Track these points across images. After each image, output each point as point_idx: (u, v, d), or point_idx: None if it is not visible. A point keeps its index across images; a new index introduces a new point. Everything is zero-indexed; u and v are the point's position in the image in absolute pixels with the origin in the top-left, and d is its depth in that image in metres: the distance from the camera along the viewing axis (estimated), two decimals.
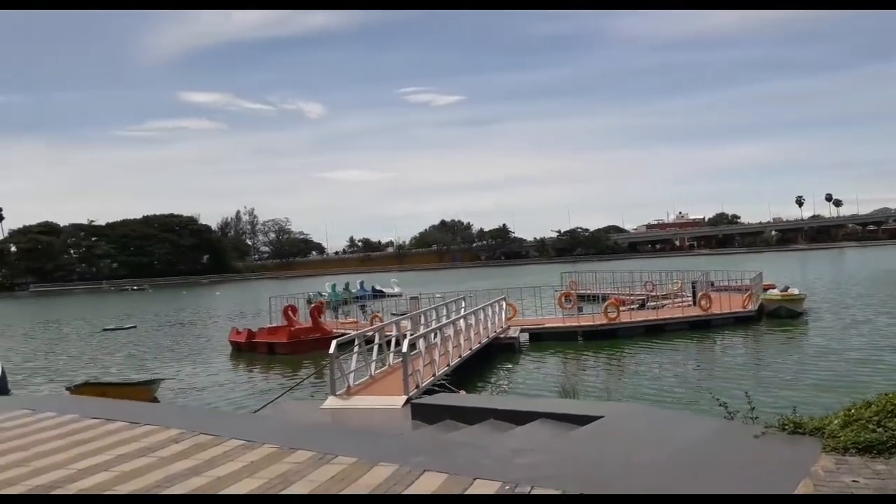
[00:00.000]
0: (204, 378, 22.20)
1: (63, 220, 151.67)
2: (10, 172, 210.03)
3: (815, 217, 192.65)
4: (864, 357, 19.72)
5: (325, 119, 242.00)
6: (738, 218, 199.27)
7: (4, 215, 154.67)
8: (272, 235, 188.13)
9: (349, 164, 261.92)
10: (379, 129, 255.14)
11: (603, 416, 7.47)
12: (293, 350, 25.64)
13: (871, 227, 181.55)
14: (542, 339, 25.11)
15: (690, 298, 31.52)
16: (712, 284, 34.83)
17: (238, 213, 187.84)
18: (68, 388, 17.12)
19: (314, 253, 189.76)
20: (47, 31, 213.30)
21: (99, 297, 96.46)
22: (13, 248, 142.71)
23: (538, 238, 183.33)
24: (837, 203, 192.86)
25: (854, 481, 4.97)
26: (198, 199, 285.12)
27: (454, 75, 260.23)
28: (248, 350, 27.02)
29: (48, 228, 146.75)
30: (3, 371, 17.73)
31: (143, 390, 17.17)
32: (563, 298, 30.14)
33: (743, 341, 24.64)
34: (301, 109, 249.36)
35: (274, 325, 28.87)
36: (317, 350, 23.77)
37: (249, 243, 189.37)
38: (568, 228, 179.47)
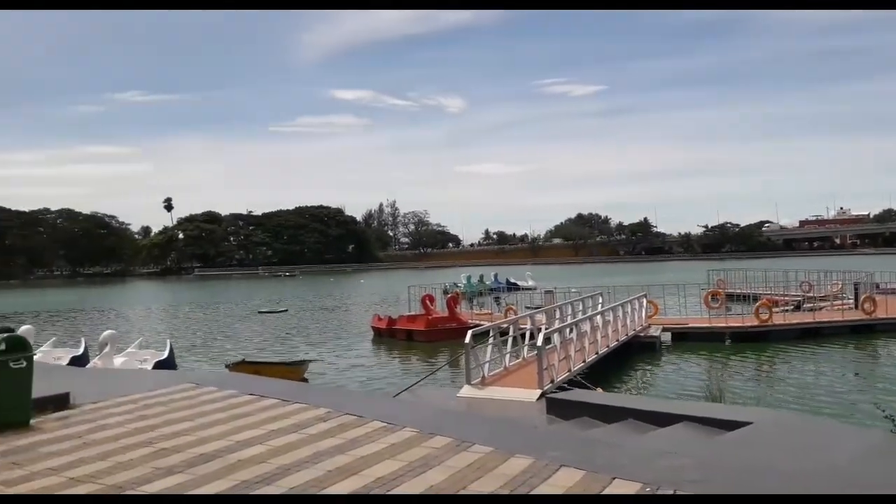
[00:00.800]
0: (347, 361, 23.25)
1: (223, 210, 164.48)
2: (179, 165, 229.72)
3: None
4: None
5: (464, 113, 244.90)
6: None
7: (174, 205, 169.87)
8: (411, 227, 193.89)
9: (486, 158, 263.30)
10: (516, 121, 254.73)
11: (752, 423, 7.07)
12: (430, 338, 26.25)
13: None
14: (686, 339, 24.03)
15: (852, 301, 28.97)
16: (878, 286, 31.80)
17: (381, 205, 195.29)
18: (227, 366, 18.53)
19: (450, 245, 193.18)
20: (209, 32, 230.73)
21: (254, 282, 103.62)
22: (181, 235, 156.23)
23: (682, 233, 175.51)
24: None
25: None
26: (343, 191, 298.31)
27: (593, 65, 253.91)
28: (388, 336, 28.01)
29: (211, 217, 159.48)
30: (171, 348, 19.51)
31: (294, 370, 18.24)
32: (709, 297, 28.67)
33: None
34: (441, 104, 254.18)
35: (413, 313, 29.69)
36: (452, 339, 24.19)
37: (390, 234, 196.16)
38: (716, 223, 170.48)
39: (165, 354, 18.60)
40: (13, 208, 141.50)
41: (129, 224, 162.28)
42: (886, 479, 5.38)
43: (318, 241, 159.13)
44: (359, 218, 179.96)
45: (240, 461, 5.74)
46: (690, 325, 25.49)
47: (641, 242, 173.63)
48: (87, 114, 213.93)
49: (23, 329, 15.75)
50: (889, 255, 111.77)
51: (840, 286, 33.47)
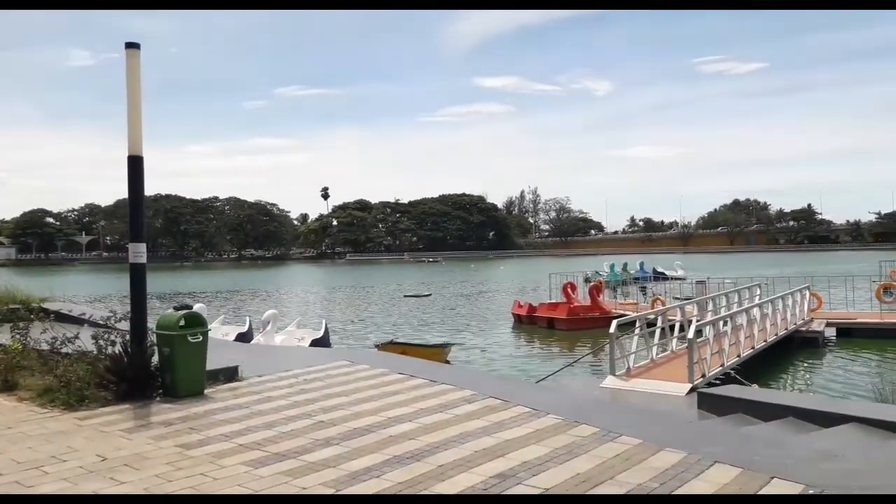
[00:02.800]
0: (488, 346, 23.53)
1: (372, 198, 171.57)
2: (334, 155, 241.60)
3: None
4: None
5: (613, 96, 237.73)
6: None
7: (330, 193, 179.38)
8: (552, 214, 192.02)
9: (636, 142, 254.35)
10: (669, 103, 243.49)
11: None
12: (571, 326, 25.95)
13: None
14: (853, 335, 22.09)
15: None
16: None
17: (522, 192, 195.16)
18: (376, 346, 19.38)
19: (593, 232, 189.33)
20: (358, 28, 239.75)
21: (400, 267, 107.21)
22: (335, 222, 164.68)
23: (851, 221, 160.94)
24: None
25: None
26: (486, 178, 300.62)
27: (753, 41, 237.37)
28: (529, 323, 27.99)
29: (362, 205, 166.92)
30: (326, 327, 20.66)
31: (439, 352, 18.74)
32: (881, 290, 26.17)
33: None
34: (588, 88, 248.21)
35: (553, 301, 29.46)
36: (594, 329, 23.78)
37: (531, 221, 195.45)
38: (890, 210, 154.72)
39: (321, 333, 19.71)
40: (187, 196, 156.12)
41: (288, 211, 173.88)
42: None
43: (459, 228, 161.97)
44: (500, 205, 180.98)
45: (391, 437, 6.00)
46: (859, 320, 23.41)
47: (804, 231, 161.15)
48: (253, 109, 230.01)
49: (197, 307, 17.32)
50: None
51: None
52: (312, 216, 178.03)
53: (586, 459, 5.31)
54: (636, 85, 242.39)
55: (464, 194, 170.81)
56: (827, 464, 5.14)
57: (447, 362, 18.08)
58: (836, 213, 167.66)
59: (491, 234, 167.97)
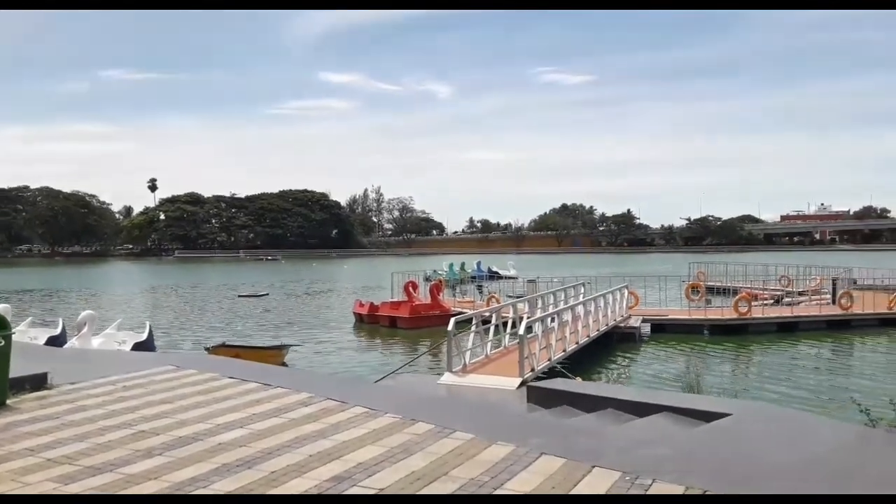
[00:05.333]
0: (328, 346, 23.22)
1: (211, 192, 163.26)
2: (166, 146, 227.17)
3: None
4: None
5: (455, 100, 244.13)
6: (888, 212, 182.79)
7: (158, 185, 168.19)
8: (396, 213, 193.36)
9: (475, 145, 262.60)
10: (507, 109, 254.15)
11: (730, 414, 7.15)
12: (413, 325, 26.27)
13: None
14: (666, 330, 24.26)
15: (829, 296, 29.39)
16: (855, 282, 32.23)
17: (366, 190, 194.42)
18: (207, 349, 18.42)
19: (434, 232, 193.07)
20: (201, 11, 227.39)
21: (235, 265, 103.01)
22: (162, 216, 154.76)
23: (665, 226, 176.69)
24: None
25: None
26: (329, 176, 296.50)
27: (583, 55, 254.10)
28: (371, 322, 27.98)
29: (194, 199, 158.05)
30: (150, 329, 19.34)
31: (274, 354, 18.18)
32: (690, 290, 28.95)
33: (887, 345, 22.74)
34: (431, 91, 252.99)
35: (395, 299, 29.68)
36: (435, 326, 24.22)
37: (374, 220, 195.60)
38: (698, 216, 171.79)
39: (144, 336, 18.44)
40: None
41: (110, 204, 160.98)
42: (861, 470, 5.46)
43: (301, 226, 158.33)
44: (343, 203, 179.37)
45: (220, 444, 5.71)
46: (670, 316, 25.73)
47: (624, 234, 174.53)
48: (69, 91, 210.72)
49: None
50: (867, 251, 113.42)
51: (819, 281, 33.92)
52: (138, 210, 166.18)
53: (421, 457, 5.37)
54: (476, 90, 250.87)
55: (306, 190, 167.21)
56: (641, 451, 5.55)
57: (284, 365, 17.59)
58: (652, 218, 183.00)
59: (334, 232, 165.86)
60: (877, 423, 6.86)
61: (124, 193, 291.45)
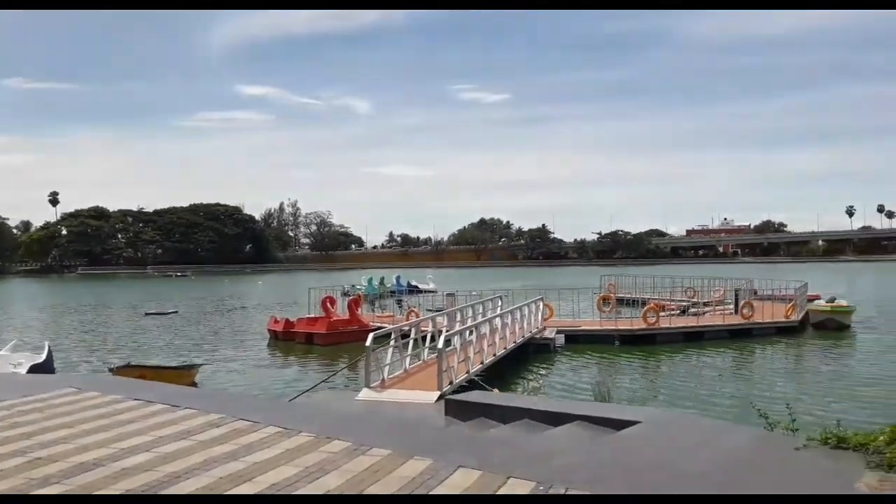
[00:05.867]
0: (242, 365, 22.58)
1: (117, 207, 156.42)
2: (69, 158, 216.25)
3: (865, 228, 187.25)
4: None
5: (373, 115, 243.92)
6: (785, 226, 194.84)
7: (60, 199, 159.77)
8: (313, 228, 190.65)
9: (394, 161, 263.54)
10: (426, 125, 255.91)
11: (640, 422, 7.38)
12: (331, 341, 25.90)
13: None
14: (579, 341, 24.88)
15: (732, 306, 30.93)
16: (755, 293, 34.08)
17: (281, 204, 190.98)
18: (111, 370, 17.56)
19: (353, 246, 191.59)
20: (114, 22, 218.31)
21: (143, 281, 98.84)
22: (64, 231, 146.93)
23: (578, 239, 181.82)
24: (890, 214, 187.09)
25: None
26: (245, 190, 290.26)
27: (501, 74, 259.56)
28: (286, 339, 27.41)
29: (98, 213, 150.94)
30: (49, 351, 18.29)
31: (183, 374, 17.52)
32: (601, 301, 29.86)
33: (785, 351, 24.12)
34: (350, 105, 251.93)
35: (312, 315, 29.20)
36: (353, 342, 23.98)
37: (291, 235, 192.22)
38: (609, 231, 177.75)
39: (43, 357, 17.42)
40: None
41: (6, 218, 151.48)
42: (761, 472, 5.75)
43: (212, 241, 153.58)
44: (258, 217, 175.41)
45: (124, 470, 5.43)
46: (583, 327, 26.43)
47: (539, 248, 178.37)
48: None
49: None
50: (767, 263, 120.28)
51: (722, 292, 35.65)
52: (38, 224, 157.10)
53: (337, 475, 5.27)
54: (395, 105, 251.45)
55: (218, 204, 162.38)
56: (555, 460, 5.65)
57: (194, 385, 16.99)
58: (565, 232, 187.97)
59: (248, 247, 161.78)
60: (775, 426, 7.23)
61: (22, 207, 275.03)
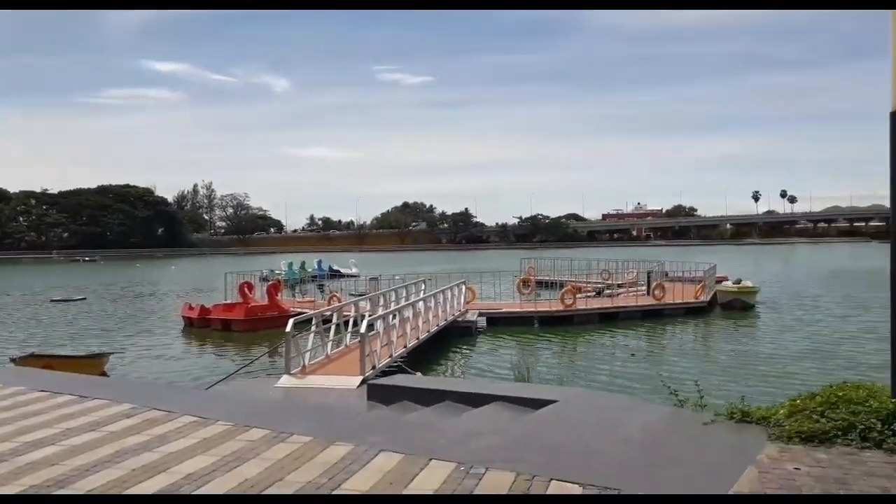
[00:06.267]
0: (154, 353, 21.84)
1: (18, 188, 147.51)
2: None
3: (769, 213, 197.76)
4: (811, 350, 20.39)
5: (293, 94, 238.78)
6: (695, 211, 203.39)
7: None
8: (230, 210, 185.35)
9: (315, 142, 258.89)
10: (348, 106, 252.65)
11: (557, 401, 7.58)
12: (249, 327, 25.36)
13: (823, 225, 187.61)
14: (500, 323, 25.29)
15: (645, 288, 32.10)
16: (667, 275, 35.49)
17: (195, 186, 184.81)
18: (13, 360, 16.64)
19: (272, 230, 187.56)
20: None
21: (48, 267, 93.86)
22: None
23: (500, 223, 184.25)
24: (792, 200, 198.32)
25: (796, 468, 5.14)
26: (156, 170, 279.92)
27: (425, 55, 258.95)
28: (202, 326, 26.63)
29: None
30: None
31: (92, 364, 16.79)
32: (521, 284, 30.41)
33: (694, 331, 25.24)
34: (268, 83, 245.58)
35: (230, 301, 28.48)
36: (273, 328, 23.57)
37: (206, 218, 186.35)
38: (529, 215, 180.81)
39: None
40: None
41: None
42: (672, 446, 6.02)
43: (122, 224, 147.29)
44: (170, 199, 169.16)
45: (28, 464, 5.17)
46: (504, 309, 26.87)
47: (462, 231, 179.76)
48: None
49: None
50: (677, 246, 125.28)
51: (635, 274, 36.94)
52: None
53: (255, 464, 5.19)
54: (315, 85, 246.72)
55: (128, 185, 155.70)
56: (475, 441, 5.73)
57: (104, 374, 16.31)
58: (487, 216, 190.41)
59: (160, 230, 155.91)
60: (685, 403, 7.57)
61: None
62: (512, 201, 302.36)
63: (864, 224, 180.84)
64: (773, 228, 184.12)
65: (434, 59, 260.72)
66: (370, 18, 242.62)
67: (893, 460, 5.25)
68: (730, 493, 4.68)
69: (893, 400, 5.81)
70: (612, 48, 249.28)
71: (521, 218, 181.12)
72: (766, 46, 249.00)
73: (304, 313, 16.38)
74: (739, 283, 31.90)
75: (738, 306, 29.77)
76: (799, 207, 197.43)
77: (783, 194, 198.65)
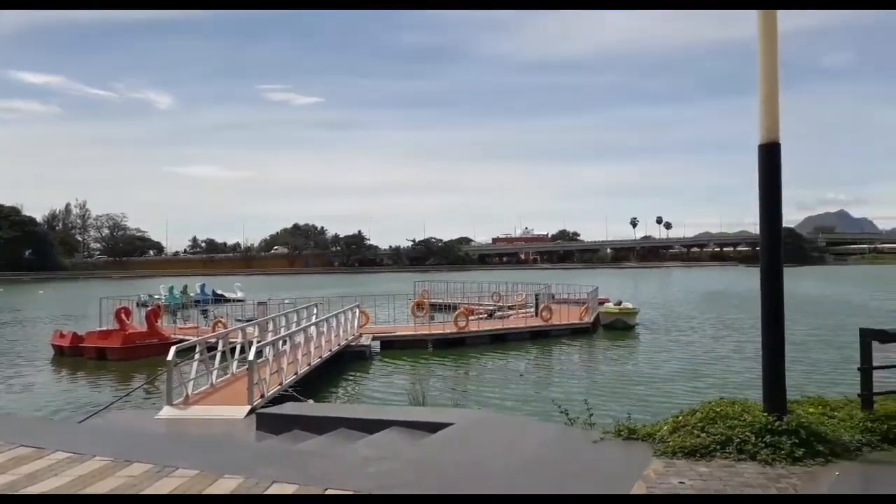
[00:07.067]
0: (20, 384, 20.14)
1: None
2: None
3: (646, 238, 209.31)
4: (690, 367, 21.56)
5: (176, 111, 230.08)
6: (578, 235, 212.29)
7: None
8: (105, 232, 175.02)
9: (200, 160, 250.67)
10: (234, 125, 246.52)
11: (454, 423, 7.60)
12: (127, 356, 23.92)
13: (695, 250, 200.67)
14: (394, 346, 25.19)
15: (533, 309, 32.98)
16: (553, 297, 36.65)
17: (68, 205, 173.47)
18: None
19: (152, 252, 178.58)
20: None
21: None
22: None
23: (393, 246, 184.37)
24: (668, 226, 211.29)
25: (680, 482, 5.39)
26: (23, 188, 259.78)
27: (315, 76, 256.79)
28: (74, 355, 24.83)
29: None
30: None
31: None
32: (415, 307, 30.46)
33: (579, 351, 26.11)
34: (149, 99, 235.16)
35: (105, 328, 26.77)
36: (153, 356, 22.35)
37: (79, 239, 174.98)
38: (422, 238, 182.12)
39: None
40: None
41: None
42: (564, 464, 6.16)
43: None
44: (39, 220, 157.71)
45: None
46: (398, 333, 26.80)
47: (355, 254, 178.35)
48: None
49: None
50: (562, 269, 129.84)
51: (524, 297, 37.90)
52: None
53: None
54: (200, 102, 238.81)
55: None
56: (371, 468, 5.64)
57: None
58: (380, 239, 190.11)
59: (27, 252, 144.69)
60: (574, 421, 7.79)
61: None
62: (405, 224, 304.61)
63: (732, 249, 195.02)
64: (649, 252, 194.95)
65: (324, 79, 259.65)
66: (259, 36, 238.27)
67: (766, 471, 5.61)
68: None
69: (765, 414, 6.24)
70: (499, 77, 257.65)
71: (414, 241, 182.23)
72: (644, 80, 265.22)
73: (186, 340, 15.64)
74: (620, 305, 33.42)
75: (620, 326, 31.16)
76: (674, 233, 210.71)
77: (659, 220, 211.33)
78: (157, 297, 45.42)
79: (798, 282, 69.94)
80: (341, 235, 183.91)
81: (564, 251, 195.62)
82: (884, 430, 6.33)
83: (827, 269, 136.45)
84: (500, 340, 26.94)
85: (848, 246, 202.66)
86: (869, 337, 6.89)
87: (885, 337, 7.00)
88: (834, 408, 6.94)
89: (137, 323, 27.72)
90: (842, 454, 5.91)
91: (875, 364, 6.89)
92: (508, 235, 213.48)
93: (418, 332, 26.42)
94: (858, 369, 6.91)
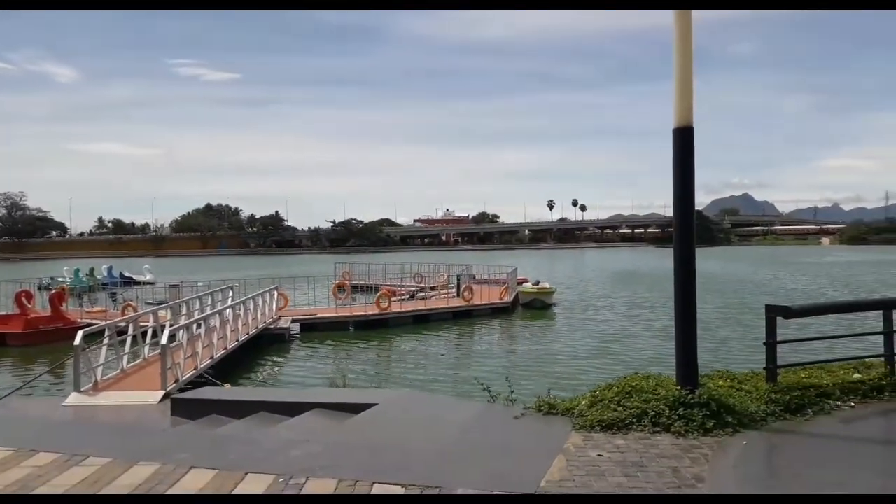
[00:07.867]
0: None
1: None
2: None
3: (562, 220, 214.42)
4: (605, 344, 22.25)
5: (79, 85, 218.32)
6: (498, 217, 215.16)
7: None
8: (2, 212, 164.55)
9: (105, 137, 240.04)
10: (142, 100, 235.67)
11: (377, 404, 7.57)
12: (29, 341, 22.68)
13: (609, 231, 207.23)
14: (315, 329, 24.87)
15: (455, 290, 33.23)
16: (474, 278, 37.00)
17: None
18: None
19: (54, 233, 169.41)
20: None
21: None
22: None
23: (312, 227, 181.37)
24: (583, 208, 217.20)
25: (599, 455, 5.55)
26: None
27: (229, 52, 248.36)
28: None
29: None
30: None
31: None
32: (336, 289, 30.12)
33: (500, 329, 26.53)
34: (49, 72, 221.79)
35: (4, 313, 25.25)
36: (59, 342, 21.27)
37: None
38: (343, 219, 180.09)
39: None
40: None
41: None
42: (487, 440, 6.23)
43: None
44: None
45: None
46: (319, 315, 26.45)
47: (272, 236, 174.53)
48: None
49: None
50: (483, 251, 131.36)
51: (446, 278, 38.11)
52: None
53: (46, 490, 4.62)
54: (105, 76, 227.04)
55: None
56: (293, 451, 5.55)
57: None
58: (299, 220, 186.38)
59: None
60: (496, 398, 7.90)
61: None
62: (325, 206, 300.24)
63: (643, 230, 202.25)
64: (565, 234, 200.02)
65: (240, 55, 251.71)
66: (168, 9, 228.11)
67: (679, 442, 5.85)
68: (542, 481, 4.94)
69: (678, 388, 6.50)
70: (423, 58, 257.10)
71: (334, 222, 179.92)
72: (561, 66, 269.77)
73: (94, 324, 14.92)
74: (538, 285, 34.10)
75: (538, 306, 31.84)
76: (588, 215, 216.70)
77: (574, 203, 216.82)
78: (60, 279, 43.22)
79: (705, 261, 73.33)
80: (257, 216, 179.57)
81: (485, 233, 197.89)
82: (786, 401, 6.72)
83: (732, 249, 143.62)
84: (423, 321, 27.02)
85: (751, 228, 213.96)
86: (773, 313, 7.27)
87: (789, 313, 7.41)
88: (741, 381, 7.31)
89: (40, 307, 26.31)
90: (749, 424, 6.24)
91: (779, 339, 7.28)
92: (430, 217, 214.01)
93: (339, 314, 26.16)
94: (764, 343, 7.28)
